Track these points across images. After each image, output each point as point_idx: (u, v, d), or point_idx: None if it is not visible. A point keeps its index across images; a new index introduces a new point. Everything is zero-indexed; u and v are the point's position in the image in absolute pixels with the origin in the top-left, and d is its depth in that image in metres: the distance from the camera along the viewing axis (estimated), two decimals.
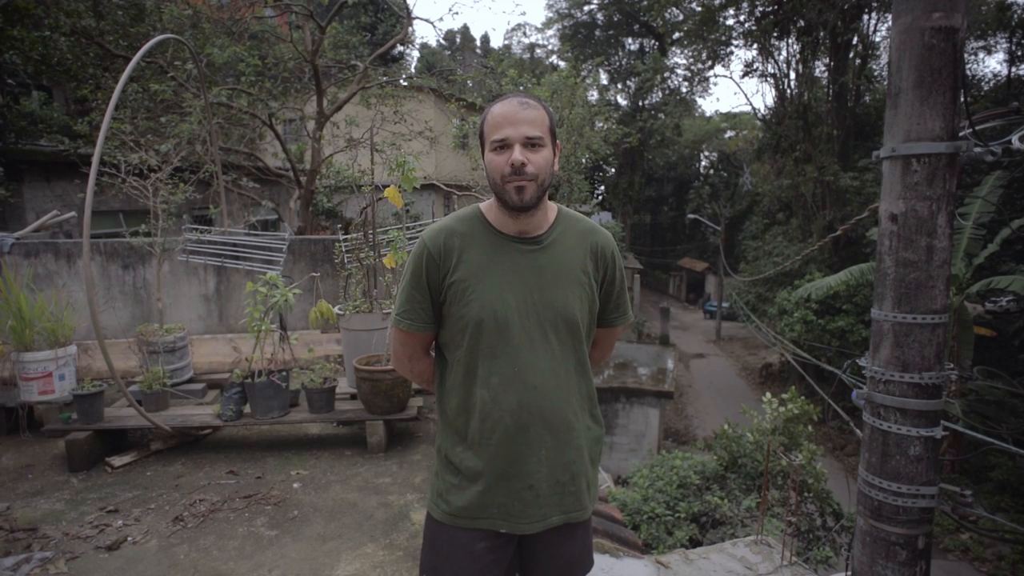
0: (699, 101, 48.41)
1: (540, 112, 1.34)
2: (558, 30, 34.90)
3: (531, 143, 1.31)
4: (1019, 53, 17.41)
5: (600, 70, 31.05)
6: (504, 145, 1.31)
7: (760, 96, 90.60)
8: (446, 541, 1.41)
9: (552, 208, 1.47)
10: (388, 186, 3.56)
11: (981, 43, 18.48)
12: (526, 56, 35.92)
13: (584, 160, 13.02)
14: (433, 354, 1.55)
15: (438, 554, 1.43)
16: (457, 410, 1.42)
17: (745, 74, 22.16)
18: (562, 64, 24.51)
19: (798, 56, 19.45)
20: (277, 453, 3.81)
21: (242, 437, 4.08)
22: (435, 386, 1.53)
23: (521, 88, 10.53)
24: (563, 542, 1.47)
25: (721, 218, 28.59)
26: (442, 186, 13.38)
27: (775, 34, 19.68)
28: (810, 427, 5.86)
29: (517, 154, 1.30)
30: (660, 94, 30.94)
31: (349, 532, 2.87)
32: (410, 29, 9.39)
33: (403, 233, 4.12)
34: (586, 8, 33.03)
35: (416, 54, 27.99)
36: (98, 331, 3.30)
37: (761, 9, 19.99)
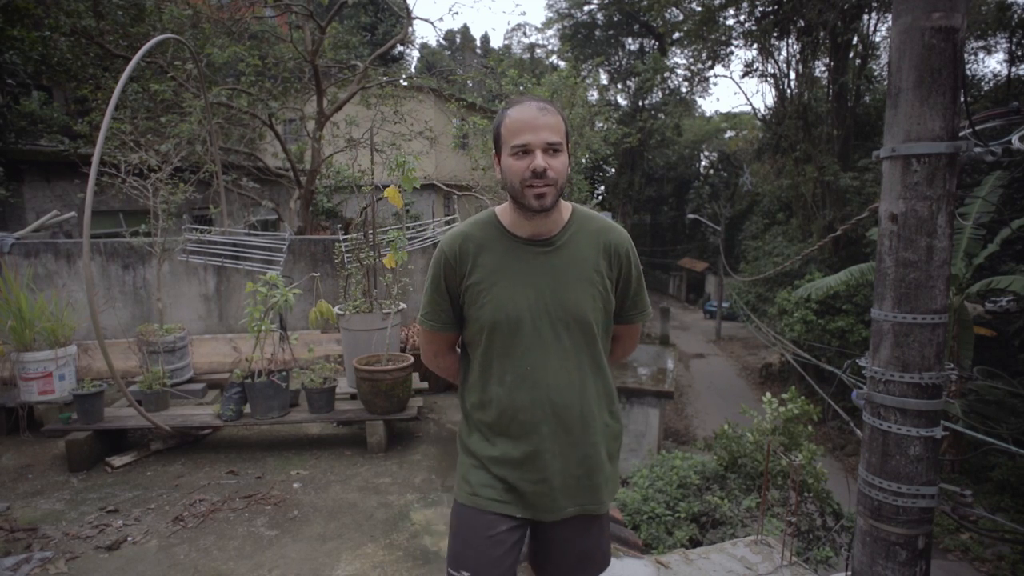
0: (699, 101, 48.47)
1: (558, 118, 1.36)
2: (558, 30, 34.88)
3: (551, 148, 1.33)
4: (1019, 53, 17.42)
5: (600, 70, 31.04)
6: (525, 150, 1.33)
7: (760, 96, 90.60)
8: (467, 524, 1.45)
9: (566, 208, 1.49)
10: (388, 186, 3.56)
11: (981, 43, 18.48)
12: (526, 56, 35.93)
13: (584, 160, 13.04)
14: (459, 351, 1.63)
15: (459, 536, 1.46)
16: (477, 405, 1.49)
17: (745, 74, 22.20)
18: (562, 64, 24.52)
19: (798, 56, 19.46)
20: (277, 453, 3.81)
21: (242, 437, 4.08)
22: (459, 381, 1.60)
23: (521, 88, 10.53)
24: (577, 536, 1.50)
25: (721, 218, 28.57)
26: (442, 186, 13.35)
27: (775, 34, 19.69)
28: (810, 427, 5.86)
29: (540, 160, 1.32)
30: (660, 94, 30.93)
31: (349, 532, 2.87)
32: (410, 29, 9.39)
33: (403, 233, 4.12)
34: (586, 8, 33.02)
35: (416, 54, 28.04)
36: (98, 331, 3.30)
37: (761, 9, 20.01)
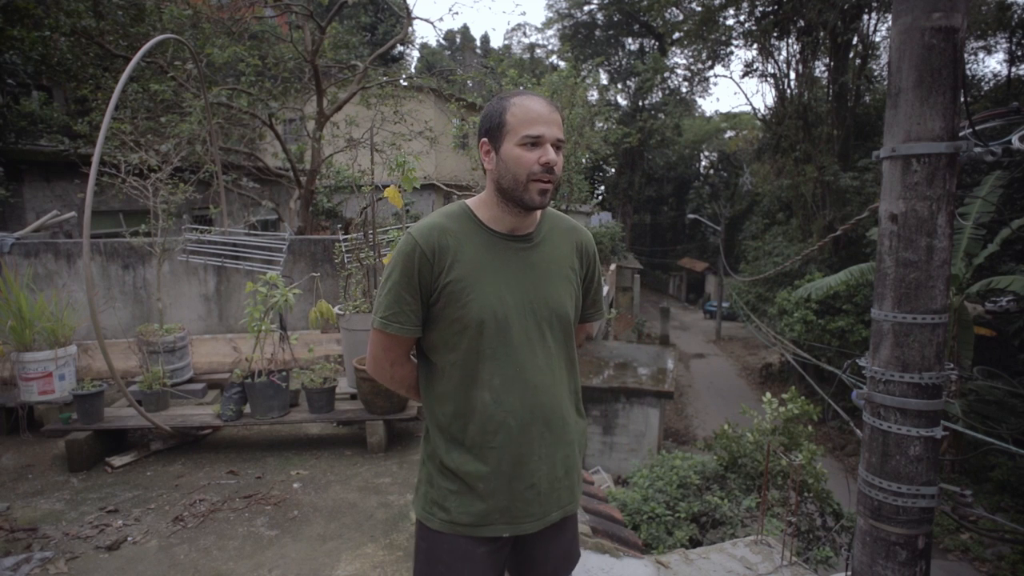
0: (699, 101, 48.38)
1: (560, 116, 1.37)
2: (558, 30, 34.93)
3: (558, 145, 1.33)
4: (1019, 53, 17.42)
5: (600, 70, 31.07)
6: (536, 143, 1.29)
7: (760, 96, 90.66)
8: (446, 551, 1.37)
9: None
10: (388, 186, 3.56)
11: (981, 43, 18.50)
12: (526, 56, 35.93)
13: (584, 160, 13.05)
14: (414, 359, 1.50)
15: (436, 564, 1.38)
16: (452, 416, 1.37)
17: (745, 74, 22.22)
18: (562, 64, 24.50)
19: (798, 56, 19.47)
20: (277, 453, 3.81)
21: (242, 437, 4.08)
22: (421, 393, 1.46)
23: (521, 88, 10.53)
24: (556, 537, 1.48)
25: (721, 218, 28.60)
26: (442, 186, 13.40)
27: (775, 34, 19.70)
28: (810, 427, 5.87)
29: (552, 154, 1.29)
30: (660, 94, 30.99)
31: (349, 532, 2.87)
32: (410, 29, 9.39)
33: (403, 233, 4.12)
34: (586, 8, 33.05)
35: (416, 54, 28.01)
36: (98, 331, 3.30)
37: (761, 9, 20.01)
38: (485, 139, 1.36)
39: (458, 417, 1.37)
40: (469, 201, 1.43)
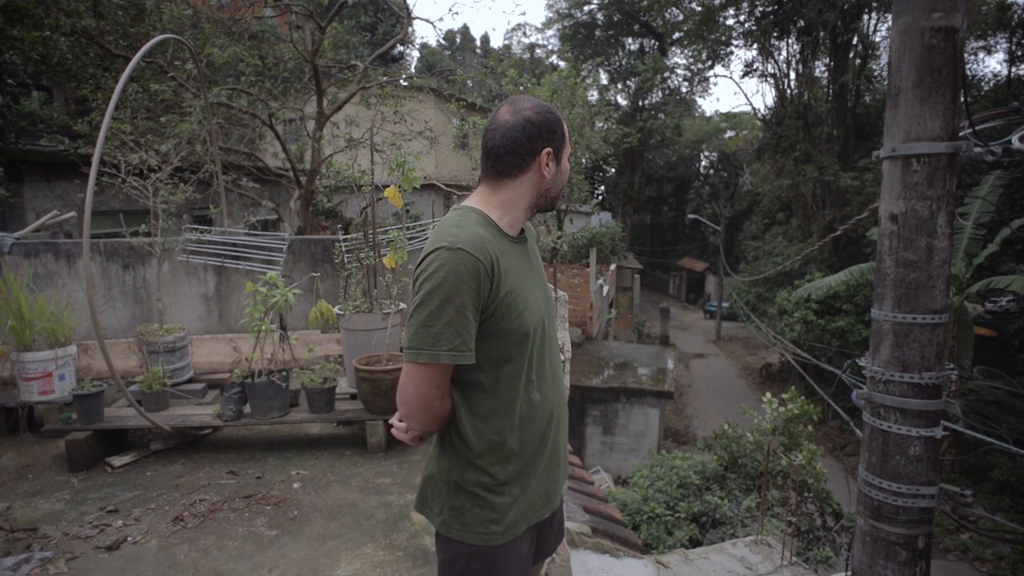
0: (699, 101, 48.44)
1: None
2: (558, 30, 34.93)
3: None
4: (1019, 53, 17.43)
5: (600, 70, 31.07)
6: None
7: (760, 96, 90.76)
8: (503, 560, 1.37)
9: None
10: (388, 186, 3.55)
11: (981, 43, 18.51)
12: (526, 56, 35.96)
13: (584, 160, 13.05)
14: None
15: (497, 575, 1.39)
16: (508, 429, 1.33)
17: (745, 74, 22.24)
18: (562, 64, 24.50)
19: (798, 56, 19.49)
20: (277, 453, 3.81)
21: (242, 437, 4.08)
22: (457, 420, 1.34)
23: (521, 88, 10.54)
24: (558, 508, 1.59)
25: (721, 218, 28.62)
26: (442, 186, 13.41)
27: (775, 34, 19.71)
28: (810, 427, 5.88)
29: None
30: (660, 94, 30.97)
31: (349, 532, 2.87)
32: (410, 29, 9.39)
33: (403, 233, 4.12)
34: (586, 8, 33.05)
35: (416, 54, 28.06)
36: (98, 331, 3.30)
37: (761, 9, 20.02)
38: (550, 148, 1.34)
39: (512, 429, 1.33)
40: (477, 206, 1.36)
